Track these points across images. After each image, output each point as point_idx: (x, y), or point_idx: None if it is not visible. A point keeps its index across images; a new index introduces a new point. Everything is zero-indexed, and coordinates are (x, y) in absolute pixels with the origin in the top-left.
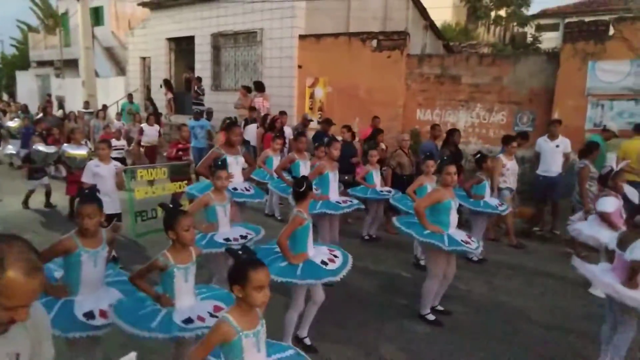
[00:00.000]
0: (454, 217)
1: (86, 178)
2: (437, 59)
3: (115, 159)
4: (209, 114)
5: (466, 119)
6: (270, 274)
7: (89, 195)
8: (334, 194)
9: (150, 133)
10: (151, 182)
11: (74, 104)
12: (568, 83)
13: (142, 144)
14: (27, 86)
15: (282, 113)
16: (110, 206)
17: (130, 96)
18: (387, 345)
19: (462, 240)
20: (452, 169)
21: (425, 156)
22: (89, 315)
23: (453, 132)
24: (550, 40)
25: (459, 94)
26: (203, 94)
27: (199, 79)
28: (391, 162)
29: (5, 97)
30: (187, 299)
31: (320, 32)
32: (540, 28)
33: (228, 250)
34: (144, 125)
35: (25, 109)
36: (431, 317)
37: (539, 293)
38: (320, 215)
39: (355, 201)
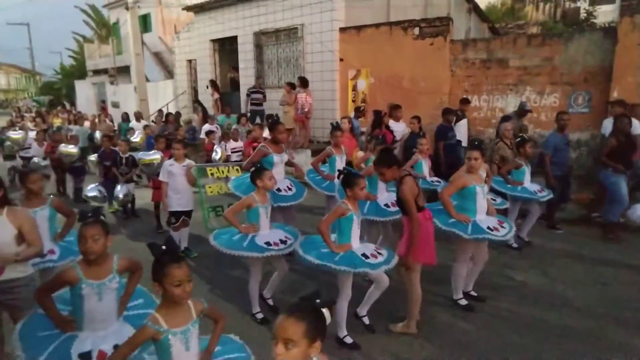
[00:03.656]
0: (480, 203)
1: (162, 177)
2: (483, 43)
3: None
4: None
5: (515, 103)
6: (310, 258)
7: (93, 216)
8: (382, 195)
9: None
10: (225, 179)
11: (127, 109)
12: (627, 59)
13: None
14: (85, 94)
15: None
16: (180, 203)
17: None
18: (438, 338)
19: (489, 227)
20: (475, 154)
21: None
22: (85, 356)
23: (621, 120)
24: (606, 14)
25: (506, 77)
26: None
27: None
28: (494, 157)
29: (67, 105)
30: None
31: (361, 24)
32: (594, 2)
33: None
34: None
35: (126, 117)
36: (463, 302)
37: (600, 283)
38: (369, 221)
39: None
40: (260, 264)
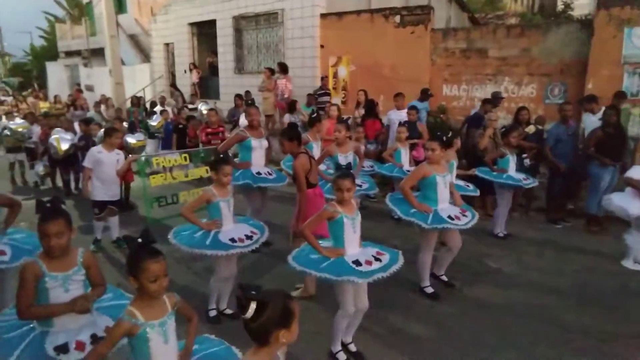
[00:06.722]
0: (442, 192)
1: (88, 163)
2: (463, 33)
3: None
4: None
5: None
6: (294, 264)
7: (53, 209)
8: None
9: None
10: (170, 169)
11: (102, 93)
12: (602, 52)
13: None
14: (57, 77)
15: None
16: (108, 193)
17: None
18: (415, 324)
19: (450, 216)
20: (433, 145)
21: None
22: (62, 348)
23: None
24: (582, 6)
25: (485, 67)
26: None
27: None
28: (469, 143)
29: (36, 88)
30: None
31: (342, 10)
32: None
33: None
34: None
35: (136, 101)
36: (429, 290)
37: (572, 270)
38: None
39: (365, 186)
40: (225, 261)
